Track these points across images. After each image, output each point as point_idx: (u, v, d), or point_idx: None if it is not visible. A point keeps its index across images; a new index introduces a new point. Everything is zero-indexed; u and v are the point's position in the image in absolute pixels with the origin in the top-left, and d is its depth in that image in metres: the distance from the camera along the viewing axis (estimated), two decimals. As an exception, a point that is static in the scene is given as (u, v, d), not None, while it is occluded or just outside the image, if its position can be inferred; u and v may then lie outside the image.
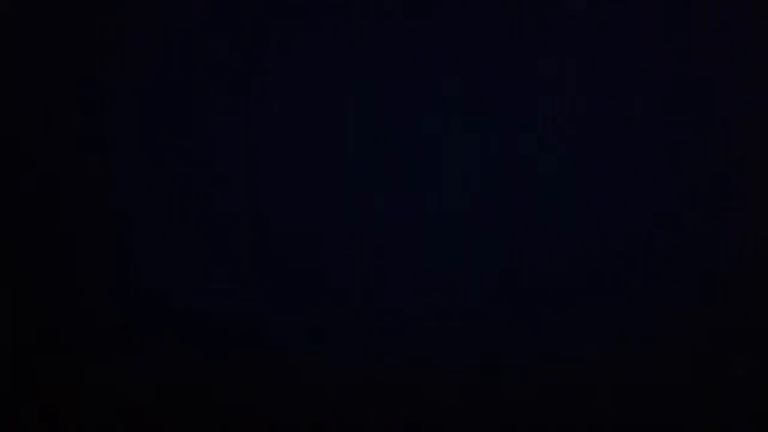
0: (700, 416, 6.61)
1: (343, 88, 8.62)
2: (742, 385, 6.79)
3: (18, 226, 8.11)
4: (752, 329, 7.13)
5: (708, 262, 7.79)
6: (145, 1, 8.34)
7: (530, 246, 8.33)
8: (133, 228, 8.42)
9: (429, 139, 8.57)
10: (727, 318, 7.33)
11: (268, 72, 8.67)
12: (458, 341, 7.91)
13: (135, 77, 8.31)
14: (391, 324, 7.99)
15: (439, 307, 8.28)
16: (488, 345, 7.87)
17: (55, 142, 8.14)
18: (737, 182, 7.74)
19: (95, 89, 8.21)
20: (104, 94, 8.26)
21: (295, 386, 7.11)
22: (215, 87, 8.38)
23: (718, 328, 7.19)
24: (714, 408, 6.64)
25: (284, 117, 8.57)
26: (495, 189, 8.68)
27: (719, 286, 7.61)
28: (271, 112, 8.50)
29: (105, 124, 8.38)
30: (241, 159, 8.44)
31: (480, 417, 6.82)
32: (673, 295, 7.93)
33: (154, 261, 8.27)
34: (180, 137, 8.36)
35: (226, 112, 8.42)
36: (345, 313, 8.15)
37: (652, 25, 7.91)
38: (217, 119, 8.38)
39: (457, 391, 6.80)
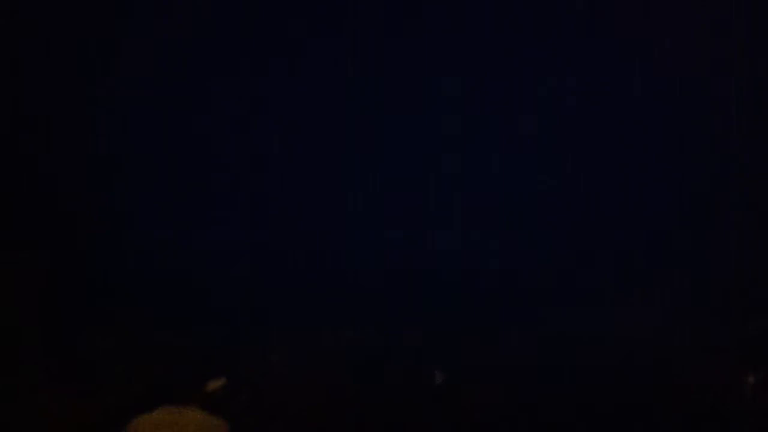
0: (700, 415, 6.59)
1: (343, 87, 8.60)
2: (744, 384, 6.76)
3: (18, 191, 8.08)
4: (751, 328, 7.13)
5: (707, 263, 7.77)
6: (145, 2, 8.34)
7: (530, 245, 8.31)
8: (134, 199, 8.37)
9: (428, 139, 8.55)
10: (726, 317, 7.31)
11: (268, 72, 8.65)
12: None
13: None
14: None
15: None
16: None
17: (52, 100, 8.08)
18: (737, 182, 7.72)
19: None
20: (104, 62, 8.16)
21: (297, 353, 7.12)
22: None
23: (717, 327, 7.19)
24: (713, 407, 6.63)
25: (286, 91, 8.54)
26: (495, 188, 8.65)
27: (719, 287, 7.58)
28: (272, 96, 8.48)
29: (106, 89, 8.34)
30: (243, 143, 8.42)
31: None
32: (673, 294, 7.91)
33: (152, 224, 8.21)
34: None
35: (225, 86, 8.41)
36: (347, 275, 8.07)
37: (652, 25, 7.89)
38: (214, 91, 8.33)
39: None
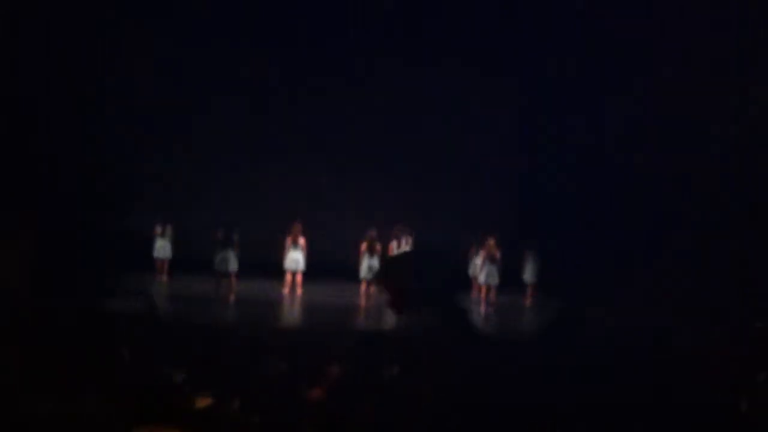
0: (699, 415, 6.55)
1: (342, 88, 8.58)
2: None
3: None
4: (751, 328, 7.09)
5: (709, 263, 7.72)
6: (145, 4, 8.36)
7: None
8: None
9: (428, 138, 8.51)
10: (725, 317, 7.27)
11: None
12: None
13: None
14: None
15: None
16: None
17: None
18: (737, 183, 7.68)
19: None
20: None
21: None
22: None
23: (716, 327, 7.15)
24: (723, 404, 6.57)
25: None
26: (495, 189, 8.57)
27: (718, 286, 7.53)
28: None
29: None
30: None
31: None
32: (672, 293, 7.87)
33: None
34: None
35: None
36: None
37: (652, 25, 7.87)
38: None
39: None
